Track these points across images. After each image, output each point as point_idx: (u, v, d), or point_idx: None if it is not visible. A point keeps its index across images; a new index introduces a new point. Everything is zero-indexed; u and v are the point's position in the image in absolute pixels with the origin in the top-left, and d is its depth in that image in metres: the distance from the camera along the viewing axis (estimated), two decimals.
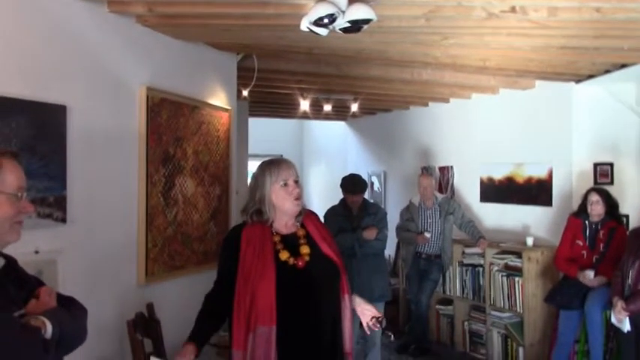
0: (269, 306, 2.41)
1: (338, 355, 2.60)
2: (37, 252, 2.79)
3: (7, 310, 1.56)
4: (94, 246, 3.39)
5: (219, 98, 4.77)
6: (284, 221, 2.62)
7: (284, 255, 2.53)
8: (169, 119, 4.04)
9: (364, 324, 2.69)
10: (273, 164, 2.61)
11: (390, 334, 2.82)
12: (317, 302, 2.53)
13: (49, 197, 3.01)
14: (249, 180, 8.20)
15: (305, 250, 2.58)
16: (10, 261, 1.73)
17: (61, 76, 3.17)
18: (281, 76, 5.66)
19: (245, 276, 2.48)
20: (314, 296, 2.52)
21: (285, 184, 2.56)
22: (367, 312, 2.68)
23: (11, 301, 1.62)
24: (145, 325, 3.51)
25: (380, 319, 2.65)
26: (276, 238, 2.58)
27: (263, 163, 2.68)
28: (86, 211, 3.29)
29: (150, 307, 3.64)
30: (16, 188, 1.67)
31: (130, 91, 3.72)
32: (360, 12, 2.87)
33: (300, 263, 2.53)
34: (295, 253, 2.56)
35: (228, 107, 4.87)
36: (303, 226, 2.67)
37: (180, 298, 4.17)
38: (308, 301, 2.51)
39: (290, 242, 2.59)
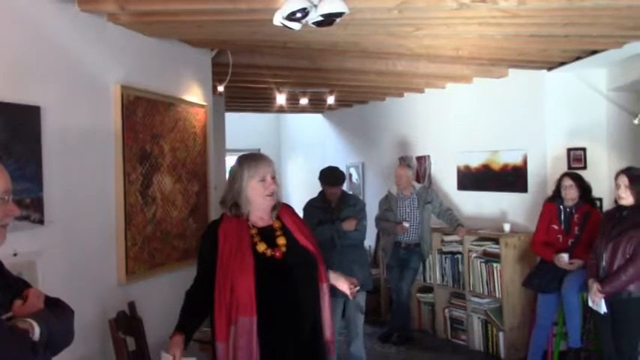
0: (249, 297, 2.47)
1: (319, 343, 2.66)
2: (15, 254, 2.77)
3: None
4: (73, 246, 3.37)
5: (195, 94, 4.76)
6: (259, 215, 2.68)
7: (261, 247, 2.59)
8: (145, 117, 4.02)
9: (347, 292, 2.82)
10: (251, 160, 2.67)
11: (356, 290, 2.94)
12: (295, 291, 2.59)
13: (25, 199, 2.98)
14: (227, 175, 8.21)
15: (281, 241, 2.65)
16: None
17: (34, 76, 3.14)
18: (256, 70, 5.65)
19: (224, 270, 2.53)
20: (292, 285, 2.59)
21: (263, 180, 2.63)
22: (343, 281, 2.84)
23: None
24: (127, 324, 3.52)
25: (355, 282, 2.83)
26: (253, 231, 2.64)
27: (242, 157, 2.73)
28: (64, 212, 3.27)
29: (132, 305, 3.64)
30: (3, 191, 1.66)
31: (104, 89, 3.70)
32: (332, 5, 2.88)
33: (277, 254, 2.60)
34: (272, 244, 2.63)
35: (204, 103, 4.86)
36: (279, 218, 2.74)
37: (161, 296, 4.17)
38: (287, 290, 2.58)
39: (267, 234, 2.66)
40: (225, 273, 2.52)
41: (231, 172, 2.72)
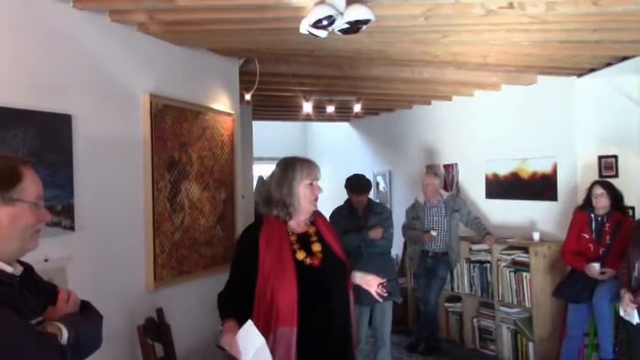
0: (290, 307, 2.45)
1: (349, 348, 2.67)
2: (46, 260, 2.82)
3: (25, 317, 1.58)
4: (102, 253, 3.42)
5: (222, 103, 4.81)
6: (298, 220, 2.69)
7: (300, 255, 2.59)
8: (173, 125, 4.07)
9: (373, 293, 2.76)
10: (304, 162, 2.70)
11: (387, 292, 2.88)
12: (330, 298, 2.60)
13: (56, 206, 3.04)
14: (254, 184, 8.24)
15: (317, 247, 2.65)
16: (27, 268, 1.75)
17: (66, 85, 3.21)
18: (283, 79, 5.68)
19: (265, 276, 2.51)
20: (327, 293, 2.59)
21: (311, 184, 2.66)
22: (372, 282, 2.76)
23: (29, 308, 1.65)
24: (155, 330, 3.55)
25: (385, 283, 2.74)
26: (293, 238, 2.64)
27: (292, 158, 2.74)
28: (94, 219, 3.33)
29: (159, 312, 3.67)
30: (36, 197, 1.69)
31: (133, 98, 3.76)
32: (358, 13, 2.89)
33: (315, 262, 2.60)
34: (309, 251, 2.63)
35: (232, 111, 4.90)
36: (313, 224, 2.75)
37: (189, 303, 4.20)
38: (323, 298, 2.57)
39: (303, 241, 2.66)
40: (266, 280, 2.50)
41: (277, 172, 2.71)
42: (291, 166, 2.67)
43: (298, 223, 2.70)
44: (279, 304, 2.46)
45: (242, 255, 2.67)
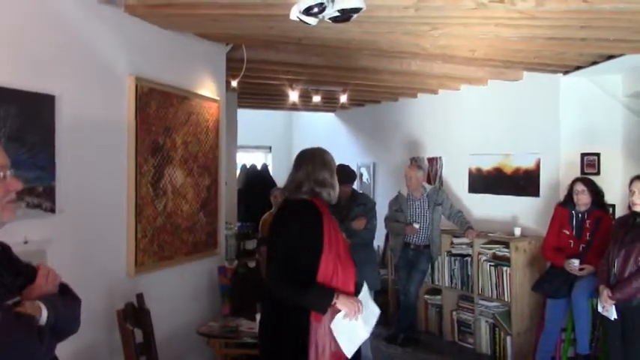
0: (351, 279, 2.69)
1: None
2: (26, 242, 2.78)
3: (1, 297, 1.56)
4: (83, 236, 3.38)
5: (208, 89, 4.76)
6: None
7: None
8: (158, 109, 4.03)
9: None
10: (328, 153, 2.92)
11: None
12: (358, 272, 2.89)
13: (37, 187, 2.99)
14: (238, 171, 8.20)
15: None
16: (4, 248, 1.72)
17: (50, 65, 3.15)
18: (270, 66, 5.65)
19: (326, 253, 2.67)
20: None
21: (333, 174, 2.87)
22: None
23: (6, 288, 1.62)
24: (135, 315, 3.52)
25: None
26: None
27: (319, 149, 2.93)
28: (75, 202, 3.28)
29: (140, 297, 3.64)
30: None
31: (118, 81, 3.71)
32: (349, 1, 2.87)
33: (347, 241, 2.90)
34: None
35: (217, 98, 4.86)
36: None
37: (169, 288, 4.18)
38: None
39: None
40: (328, 256, 2.64)
41: (306, 160, 2.84)
42: (319, 157, 2.87)
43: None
44: (340, 278, 2.65)
45: (314, 236, 2.71)
